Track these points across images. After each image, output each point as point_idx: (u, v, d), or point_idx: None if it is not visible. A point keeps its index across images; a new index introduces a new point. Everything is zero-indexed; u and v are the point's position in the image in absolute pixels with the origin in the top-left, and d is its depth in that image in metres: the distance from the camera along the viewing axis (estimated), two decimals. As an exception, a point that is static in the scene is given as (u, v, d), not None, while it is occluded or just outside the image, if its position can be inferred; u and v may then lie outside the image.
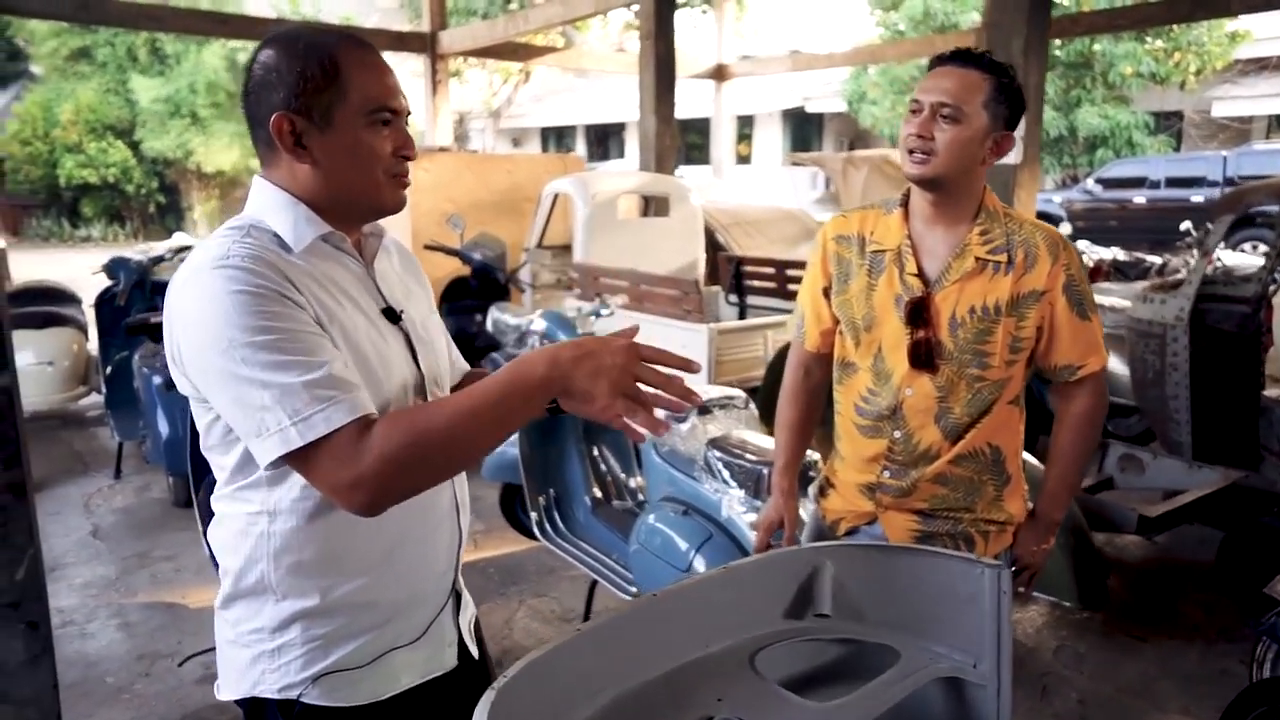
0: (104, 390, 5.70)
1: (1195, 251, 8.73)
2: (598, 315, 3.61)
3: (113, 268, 5.81)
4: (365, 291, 1.34)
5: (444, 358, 1.48)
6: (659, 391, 1.21)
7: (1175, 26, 14.47)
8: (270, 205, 1.28)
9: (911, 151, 1.78)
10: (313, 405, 1.11)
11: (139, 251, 6.48)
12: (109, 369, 5.60)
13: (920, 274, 1.87)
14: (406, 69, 25.78)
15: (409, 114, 1.34)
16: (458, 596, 1.50)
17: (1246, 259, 8.08)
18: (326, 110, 1.24)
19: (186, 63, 21.54)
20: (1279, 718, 2.29)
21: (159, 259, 5.89)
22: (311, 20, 11.54)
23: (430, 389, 1.39)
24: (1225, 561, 3.79)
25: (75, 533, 4.48)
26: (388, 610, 1.35)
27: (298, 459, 1.13)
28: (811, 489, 2.21)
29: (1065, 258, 1.84)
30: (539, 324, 3.54)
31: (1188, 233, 9.15)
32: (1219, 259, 6.94)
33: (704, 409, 2.99)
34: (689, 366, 1.27)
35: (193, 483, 3.34)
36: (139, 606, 3.74)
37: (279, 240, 1.26)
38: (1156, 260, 8.22)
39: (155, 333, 4.95)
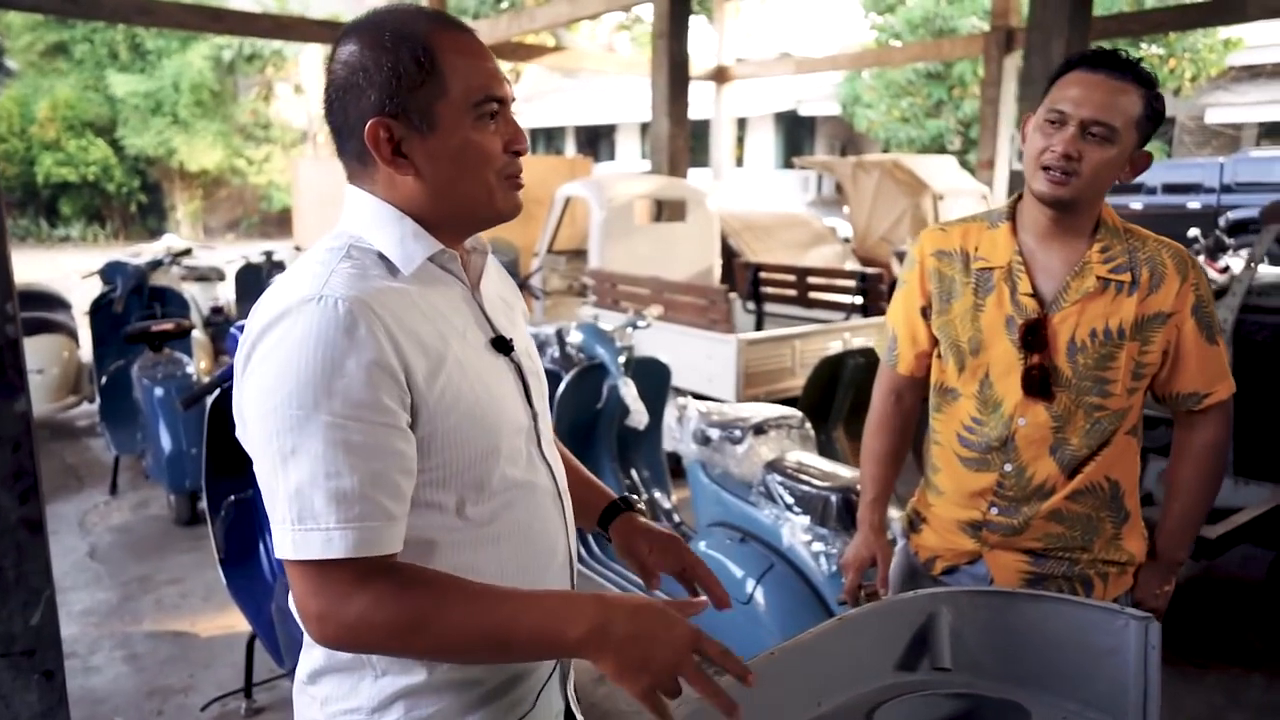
0: (98, 400, 5.47)
1: (1203, 258, 8.69)
2: (634, 327, 3.44)
3: (108, 272, 5.60)
4: (472, 320, 1.17)
5: (546, 389, 1.31)
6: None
7: (1172, 33, 14.47)
8: (372, 219, 1.10)
9: (1048, 169, 1.61)
10: (320, 519, 0.97)
11: (133, 255, 6.27)
12: (104, 378, 5.37)
13: (1035, 294, 1.71)
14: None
15: (514, 101, 1.16)
16: (562, 675, 1.33)
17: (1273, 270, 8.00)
18: (427, 110, 1.06)
19: (169, 60, 21.21)
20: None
21: (157, 263, 5.69)
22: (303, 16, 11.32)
23: (541, 427, 1.23)
24: (1277, 583, 3.67)
25: (72, 554, 4.26)
26: (498, 682, 1.18)
27: (289, 567, 1.00)
28: (898, 523, 2.05)
29: (1194, 277, 1.69)
30: (575, 337, 3.36)
31: (1196, 239, 9.10)
32: (1226, 266, 6.87)
33: (759, 429, 2.83)
34: (745, 679, 1.11)
35: (208, 504, 3.16)
36: (145, 636, 3.53)
37: (384, 261, 1.08)
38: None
39: (155, 341, 4.76)
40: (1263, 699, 3.07)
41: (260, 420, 0.99)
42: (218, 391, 3.03)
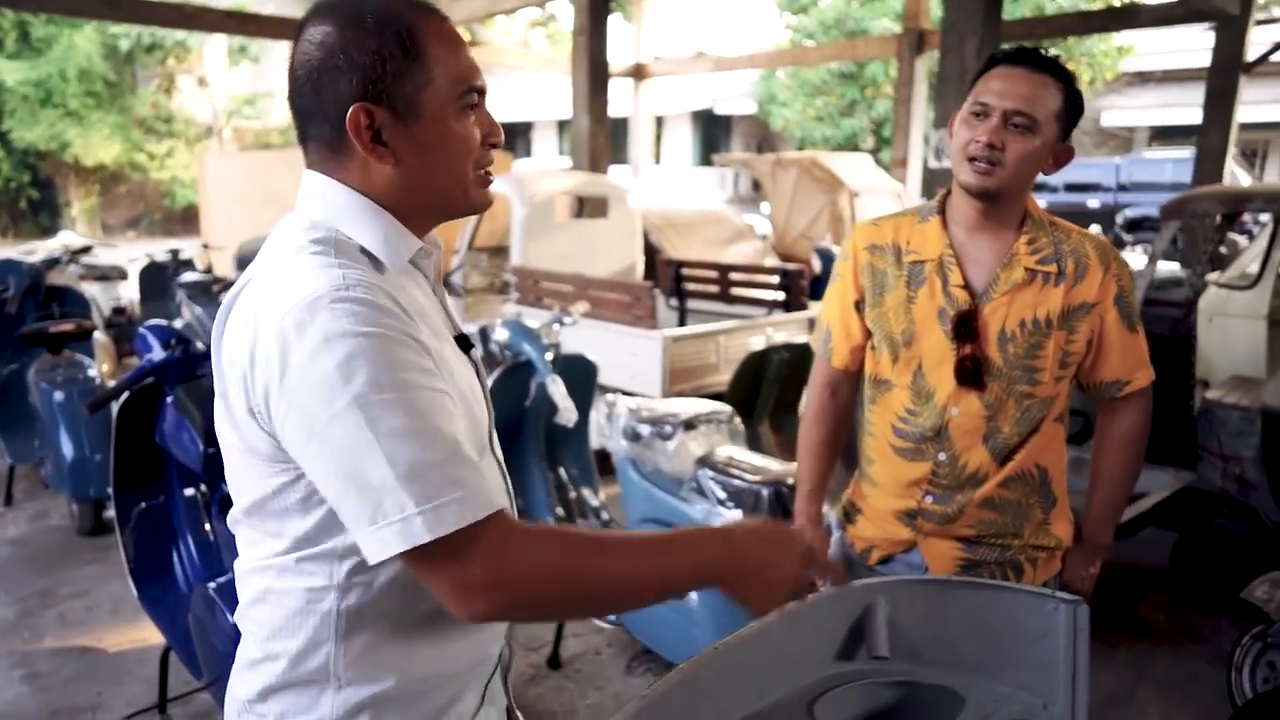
0: (-11, 407, 5.17)
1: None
2: (560, 324, 3.41)
3: (0, 271, 5.29)
4: (440, 317, 1.14)
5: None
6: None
7: (1071, 38, 15.05)
8: (347, 211, 1.05)
9: (974, 159, 1.64)
10: (444, 492, 0.91)
11: (27, 253, 5.96)
12: (-3, 383, 5.08)
13: (966, 285, 1.75)
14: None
15: (487, 93, 1.12)
16: (503, 664, 1.31)
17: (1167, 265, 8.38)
18: (412, 97, 1.02)
19: (57, 47, 20.13)
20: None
21: (54, 262, 5.42)
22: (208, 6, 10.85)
23: (491, 429, 1.20)
24: (1180, 563, 3.84)
25: (-36, 569, 4.02)
26: (462, 677, 1.16)
27: (419, 554, 0.92)
28: (833, 515, 2.08)
29: (1116, 268, 1.75)
30: (500, 334, 3.31)
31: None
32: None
33: (689, 424, 2.83)
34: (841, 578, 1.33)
35: (117, 514, 3.02)
36: (48, 653, 3.34)
37: (366, 256, 1.04)
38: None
39: (54, 343, 4.52)
40: (1169, 674, 3.21)
41: (337, 420, 0.91)
42: (126, 395, 2.89)
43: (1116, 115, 17.92)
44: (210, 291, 6.10)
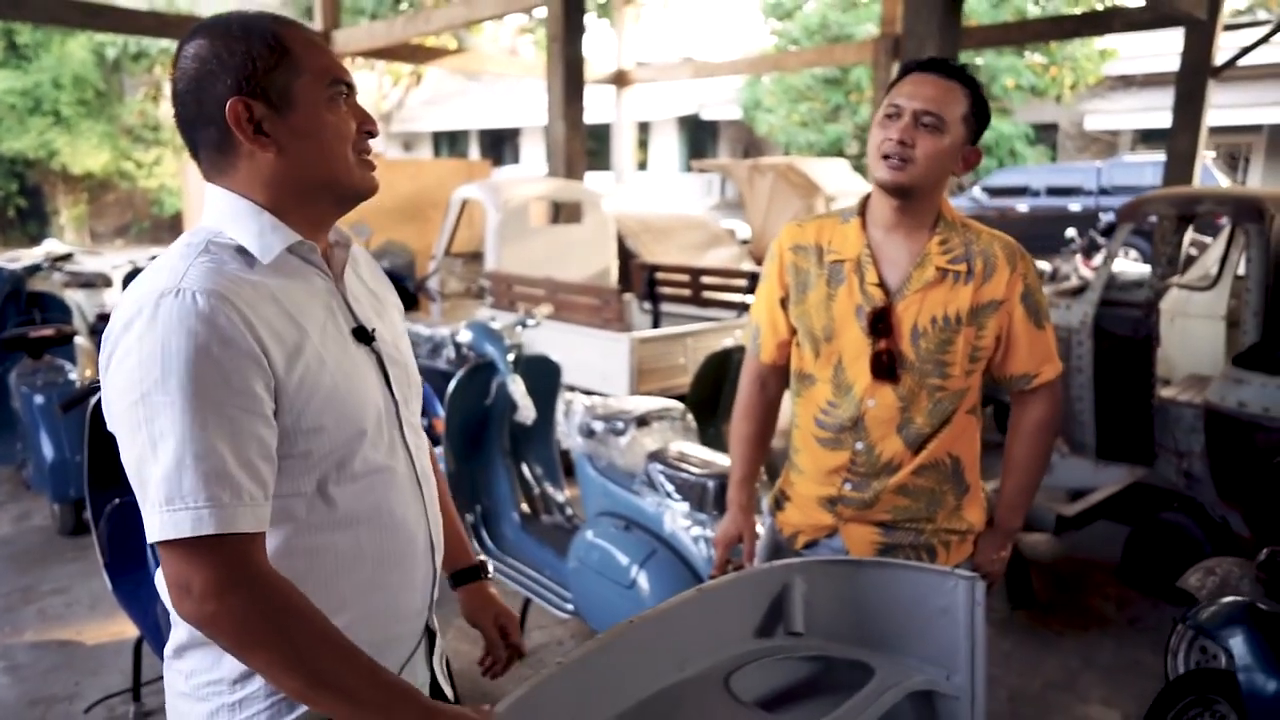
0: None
1: (1079, 257, 9.21)
2: (524, 326, 3.51)
3: (-19, 278, 5.38)
4: (335, 310, 1.22)
5: (415, 378, 1.38)
6: None
7: (1053, 43, 15.21)
8: (230, 214, 1.15)
9: (888, 157, 1.75)
10: (189, 499, 1.01)
11: (10, 260, 6.04)
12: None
13: (881, 284, 1.85)
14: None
15: (358, 92, 1.23)
16: (431, 636, 1.40)
17: (1125, 265, 8.52)
18: (284, 89, 1.13)
19: (48, 55, 20.17)
20: (1208, 709, 2.38)
21: (35, 268, 5.50)
22: (190, 14, 10.98)
23: (403, 413, 1.29)
24: (1131, 556, 3.95)
25: (-52, 568, 4.10)
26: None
27: (160, 545, 1.04)
28: (765, 503, 2.18)
29: (1023, 267, 1.85)
30: (464, 335, 3.41)
31: (1072, 240, 9.62)
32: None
33: (642, 420, 2.93)
34: None
35: (91, 511, 3.11)
36: (27, 647, 3.44)
37: (242, 254, 1.13)
38: (1047, 266, 8.58)
39: (34, 348, 4.61)
40: (1113, 661, 3.32)
41: (128, 410, 1.03)
42: (98, 395, 2.98)
43: (1100, 119, 18.04)
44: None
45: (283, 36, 1.13)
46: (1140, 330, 4.39)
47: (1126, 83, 17.52)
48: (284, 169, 1.15)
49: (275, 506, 1.12)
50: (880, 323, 1.84)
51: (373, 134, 1.20)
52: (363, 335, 1.24)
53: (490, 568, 1.70)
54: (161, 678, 2.86)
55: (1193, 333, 5.15)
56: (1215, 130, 17.16)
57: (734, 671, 1.62)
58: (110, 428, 1.11)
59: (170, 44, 20.10)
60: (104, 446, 3.08)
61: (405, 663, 1.32)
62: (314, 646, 1.07)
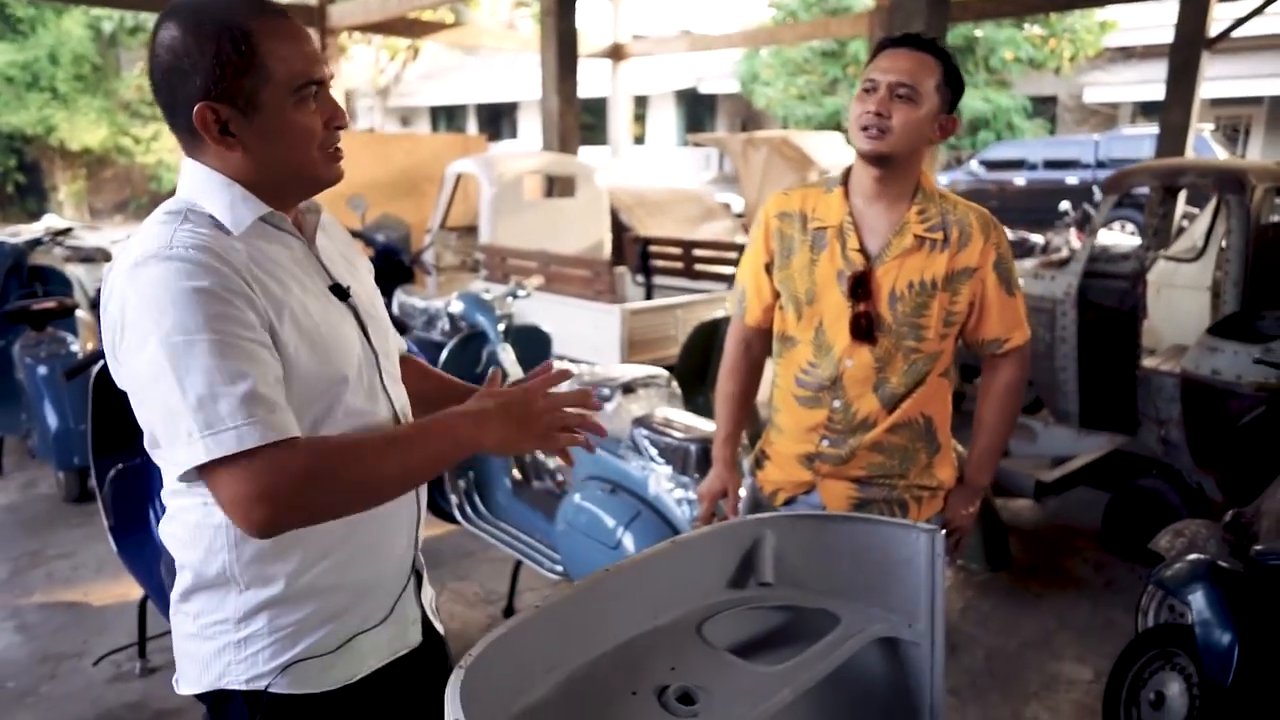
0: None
1: (1074, 230, 9.26)
2: (514, 296, 3.58)
3: (-17, 252, 5.44)
4: (311, 270, 1.30)
5: (391, 332, 1.46)
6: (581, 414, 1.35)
7: (1052, 15, 15.15)
8: (203, 188, 1.22)
9: (866, 128, 1.82)
10: (228, 419, 1.08)
11: (10, 234, 6.10)
12: (-18, 360, 5.24)
13: (862, 249, 1.92)
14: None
15: (332, 79, 1.28)
16: (419, 575, 1.49)
17: (1119, 237, 8.58)
18: (251, 95, 1.17)
19: (45, 31, 20.09)
20: (1168, 661, 2.47)
21: (36, 242, 5.56)
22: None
23: (383, 364, 1.37)
24: (1110, 521, 4.04)
25: (-44, 534, 4.21)
26: (353, 593, 1.33)
27: (205, 471, 1.10)
28: (747, 462, 2.27)
29: (995, 236, 1.93)
30: (455, 306, 3.49)
31: (1066, 213, 9.66)
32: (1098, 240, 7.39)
33: (628, 388, 3.02)
34: (587, 404, 1.37)
35: (95, 475, 3.20)
36: (36, 607, 3.54)
37: (217, 224, 1.20)
38: (1039, 239, 8.64)
39: (37, 320, 4.69)
40: (1088, 621, 3.42)
41: (148, 361, 1.10)
42: (101, 363, 3.07)
43: (1099, 91, 17.99)
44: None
45: (255, 35, 1.15)
46: (1126, 301, 4.46)
47: (1126, 54, 17.46)
48: (250, 165, 1.21)
49: None
50: (860, 287, 1.91)
51: (341, 127, 1.26)
52: (339, 292, 1.32)
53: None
54: (166, 633, 2.95)
55: (1179, 304, 5.23)
56: (1216, 102, 17.17)
57: (706, 619, 1.70)
58: (124, 386, 1.19)
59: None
60: (107, 413, 3.16)
61: (397, 599, 1.41)
62: (371, 462, 1.16)
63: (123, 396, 3.36)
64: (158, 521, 3.25)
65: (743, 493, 2.26)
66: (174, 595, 1.33)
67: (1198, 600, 2.32)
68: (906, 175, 1.92)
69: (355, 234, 5.53)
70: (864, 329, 1.92)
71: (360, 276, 1.42)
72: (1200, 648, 2.26)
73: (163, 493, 1.30)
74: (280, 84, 1.18)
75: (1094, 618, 3.44)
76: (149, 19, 20.16)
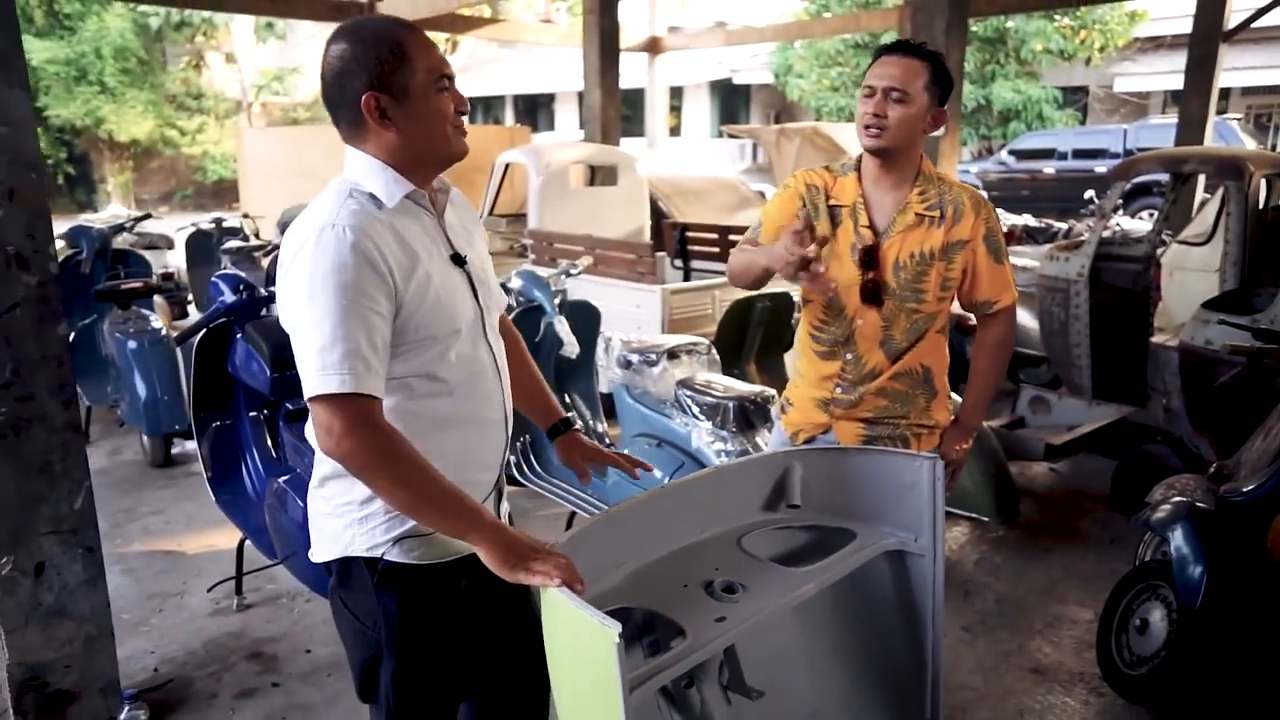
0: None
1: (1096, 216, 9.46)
2: (567, 275, 3.95)
3: (73, 236, 5.90)
4: (438, 240, 1.65)
5: (497, 292, 1.81)
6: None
7: (1082, 7, 15.24)
8: (365, 170, 1.57)
9: (868, 127, 2.16)
10: (334, 368, 1.43)
11: (99, 221, 6.54)
12: (72, 335, 5.70)
13: (871, 226, 2.26)
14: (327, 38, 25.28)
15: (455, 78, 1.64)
16: (499, 491, 1.84)
17: (1141, 225, 8.77)
18: (404, 86, 1.52)
19: (89, 25, 20.62)
20: (1153, 592, 2.79)
21: (120, 228, 6.00)
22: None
23: (487, 320, 1.72)
24: (1118, 484, 4.34)
25: (58, 491, 4.64)
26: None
27: (313, 400, 1.46)
28: (774, 410, 2.61)
29: (985, 213, 2.26)
30: (515, 283, 3.86)
31: (1090, 200, 9.86)
32: (1117, 224, 7.60)
33: (672, 354, 3.37)
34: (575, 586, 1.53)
35: (195, 431, 3.60)
36: (138, 555, 3.96)
37: (374, 199, 1.56)
38: (1063, 226, 8.86)
39: (124, 299, 5.12)
40: (1092, 571, 3.73)
41: (301, 306, 1.47)
42: (204, 331, 3.47)
43: (1130, 81, 18.06)
44: (253, 257, 6.67)
45: (404, 43, 1.52)
46: (1139, 283, 4.73)
47: (1156, 44, 17.48)
48: (402, 142, 1.56)
49: (396, 382, 1.57)
50: (870, 257, 2.25)
51: (464, 111, 1.62)
52: (458, 260, 1.67)
53: (577, 423, 2.07)
54: (264, 567, 3.34)
55: (1190, 285, 5.48)
56: (1246, 91, 17.14)
57: (745, 534, 2.06)
58: (283, 321, 1.55)
59: (210, 14, 20.68)
60: (208, 376, 3.57)
61: (483, 502, 1.76)
62: (415, 474, 1.50)
63: (220, 362, 3.82)
64: (248, 473, 3.67)
65: (772, 435, 2.60)
66: (312, 482, 1.70)
67: (1176, 536, 2.63)
68: (907, 162, 2.25)
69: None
70: (872, 293, 2.26)
71: (476, 246, 1.77)
72: (1175, 574, 2.58)
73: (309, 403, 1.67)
74: (423, 77, 1.53)
75: (1098, 568, 3.75)
76: (194, 14, 20.74)
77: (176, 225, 8.85)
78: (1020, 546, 3.96)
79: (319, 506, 1.70)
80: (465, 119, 1.66)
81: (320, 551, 1.72)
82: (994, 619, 3.39)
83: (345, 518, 1.65)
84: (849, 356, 2.32)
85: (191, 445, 5.28)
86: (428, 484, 1.50)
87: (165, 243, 8.45)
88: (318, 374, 1.45)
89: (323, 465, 1.67)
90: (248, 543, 3.44)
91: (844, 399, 2.34)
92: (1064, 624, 3.35)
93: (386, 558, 1.64)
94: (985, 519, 3.72)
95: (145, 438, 5.01)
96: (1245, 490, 2.61)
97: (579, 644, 1.51)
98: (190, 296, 7.92)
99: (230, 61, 23.14)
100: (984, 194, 2.34)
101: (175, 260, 8.48)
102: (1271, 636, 2.48)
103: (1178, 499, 2.79)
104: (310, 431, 1.67)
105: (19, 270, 2.34)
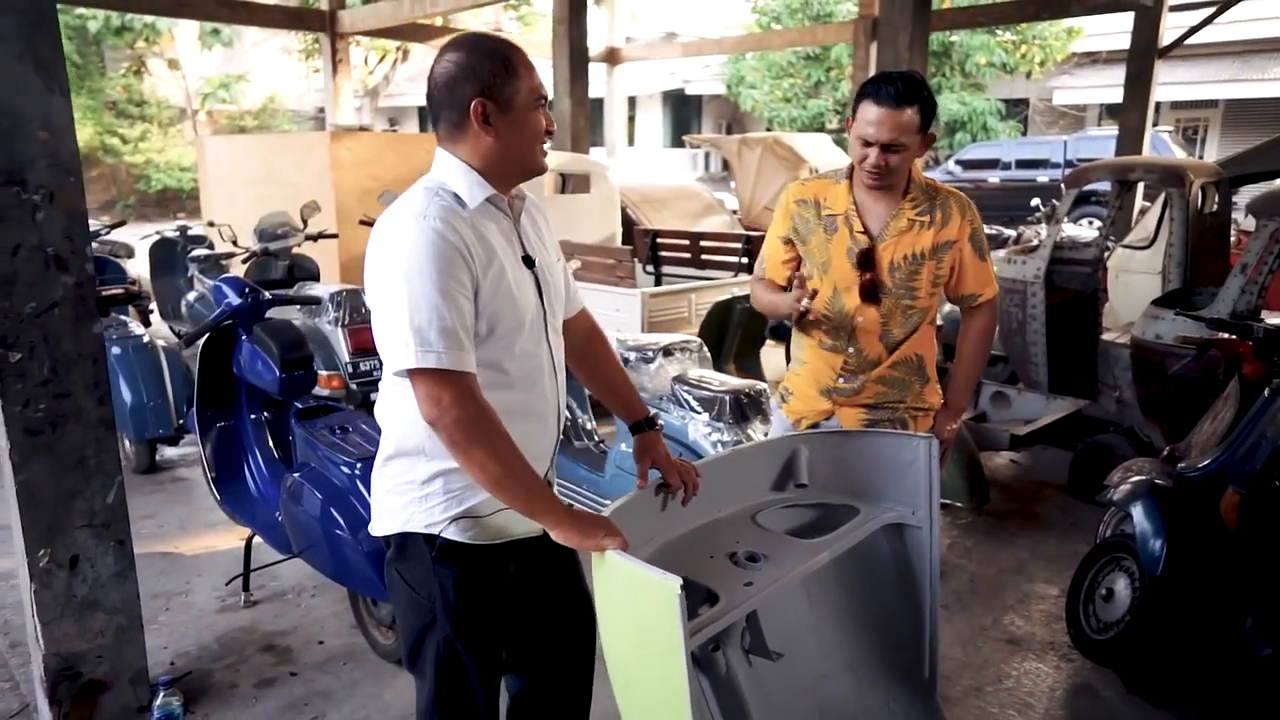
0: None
1: (1045, 224, 9.86)
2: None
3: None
4: (513, 241, 1.78)
5: (561, 293, 1.94)
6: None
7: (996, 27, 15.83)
8: (452, 171, 1.72)
9: (871, 175, 2.35)
10: (434, 345, 1.57)
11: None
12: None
13: (866, 231, 2.46)
14: (275, 45, 24.84)
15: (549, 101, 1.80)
16: (549, 484, 1.99)
17: (1085, 230, 9.19)
18: (509, 99, 1.66)
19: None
20: (1116, 564, 3.03)
21: (94, 234, 5.97)
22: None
23: (550, 319, 1.86)
24: (1075, 473, 4.62)
25: (44, 497, 4.65)
26: None
27: (411, 373, 1.59)
28: (774, 400, 2.80)
29: (970, 215, 2.48)
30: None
31: (1037, 208, 10.28)
32: (1063, 230, 7.98)
33: (667, 351, 3.54)
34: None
35: (199, 431, 3.68)
36: (135, 557, 3.99)
37: (458, 199, 1.70)
38: (1013, 233, 9.24)
39: (103, 305, 5.13)
40: (1056, 552, 3.98)
41: (394, 289, 1.59)
42: (209, 333, 3.55)
43: (1068, 95, 18.75)
44: (221, 265, 6.67)
45: (514, 60, 1.66)
46: (1088, 285, 5.03)
47: (1092, 59, 18.20)
48: (497, 149, 1.70)
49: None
50: (866, 260, 2.45)
51: (552, 133, 1.77)
52: (529, 261, 1.81)
53: (660, 422, 2.18)
54: (276, 562, 3.41)
55: (1134, 286, 5.81)
56: (1175, 105, 17.90)
57: (759, 512, 2.24)
58: (371, 304, 1.67)
59: (154, 18, 20.30)
60: (211, 376, 3.65)
61: (544, 473, 1.91)
62: (506, 452, 1.65)
63: (224, 364, 3.92)
64: (251, 474, 3.76)
65: (774, 423, 2.79)
66: (377, 460, 1.83)
67: (1138, 511, 2.88)
68: (900, 179, 2.45)
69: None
70: (870, 293, 2.46)
71: (547, 249, 1.90)
72: (1138, 545, 2.82)
73: (382, 382, 1.80)
74: (526, 94, 1.68)
75: (1061, 549, 4.01)
76: (136, 19, 20.29)
77: (134, 234, 8.78)
78: (989, 531, 4.21)
79: (382, 484, 1.83)
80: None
81: (380, 526, 1.85)
82: (969, 597, 3.62)
83: (406, 495, 1.77)
84: (851, 350, 2.51)
85: (173, 451, 5.33)
86: (517, 461, 1.64)
87: (125, 251, 8.37)
88: (417, 350, 1.57)
89: (387, 444, 1.80)
90: (255, 540, 3.52)
91: (846, 387, 2.54)
92: (1033, 600, 3.60)
93: (443, 535, 1.76)
94: (959, 504, 3.95)
95: (130, 444, 5.02)
96: (1200, 467, 2.86)
97: (639, 602, 1.67)
98: (154, 305, 7.87)
99: (174, 68, 22.66)
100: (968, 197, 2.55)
101: (135, 269, 8.41)
102: (1227, 597, 2.74)
103: (1137, 479, 3.04)
104: (385, 409, 1.80)
105: (58, 271, 2.44)
